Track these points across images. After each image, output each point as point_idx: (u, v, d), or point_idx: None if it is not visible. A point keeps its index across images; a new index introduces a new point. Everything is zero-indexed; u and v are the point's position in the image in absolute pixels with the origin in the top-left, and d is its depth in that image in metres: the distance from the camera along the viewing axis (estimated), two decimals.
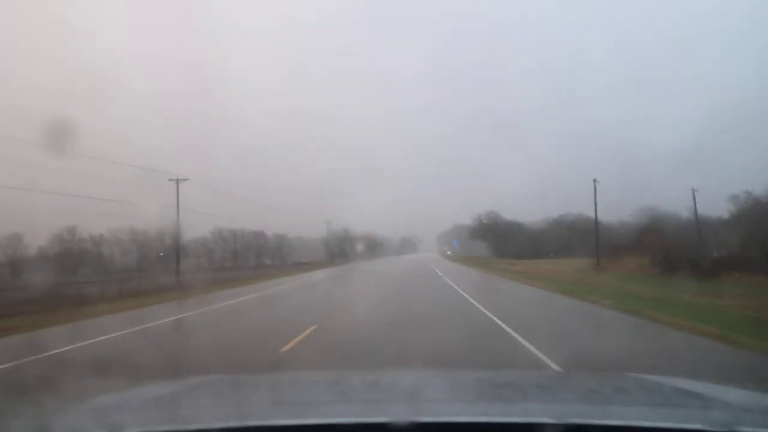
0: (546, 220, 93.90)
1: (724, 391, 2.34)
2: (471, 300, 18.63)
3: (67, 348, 11.08)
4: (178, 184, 39.99)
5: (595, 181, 40.69)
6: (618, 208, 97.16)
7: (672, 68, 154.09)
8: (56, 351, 10.69)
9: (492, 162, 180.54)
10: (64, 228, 77.72)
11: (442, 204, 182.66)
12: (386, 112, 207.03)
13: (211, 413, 1.98)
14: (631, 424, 1.59)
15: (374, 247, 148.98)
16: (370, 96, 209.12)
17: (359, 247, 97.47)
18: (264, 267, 76.05)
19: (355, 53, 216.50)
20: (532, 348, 9.31)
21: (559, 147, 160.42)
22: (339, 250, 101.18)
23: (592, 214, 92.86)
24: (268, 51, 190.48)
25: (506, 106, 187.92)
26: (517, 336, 10.63)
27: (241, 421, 1.66)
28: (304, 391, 2.50)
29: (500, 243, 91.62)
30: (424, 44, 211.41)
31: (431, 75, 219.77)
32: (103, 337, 12.43)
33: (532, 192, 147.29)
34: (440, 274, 36.82)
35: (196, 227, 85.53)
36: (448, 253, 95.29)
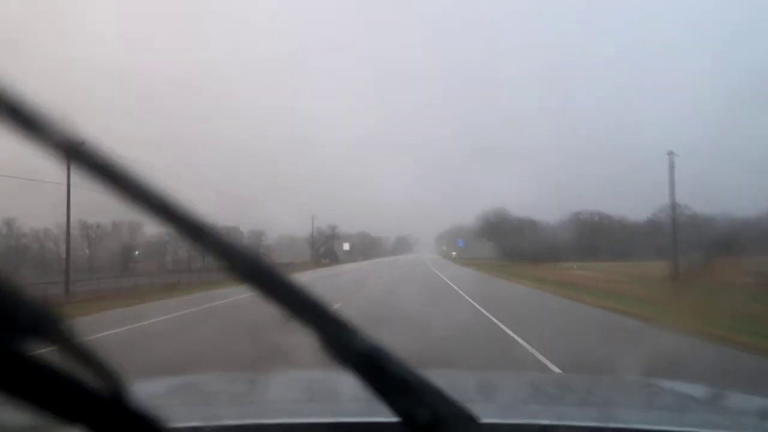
0: (560, 219, 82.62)
1: (725, 395, 2.34)
2: None
3: None
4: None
5: (671, 154, 28.68)
6: (633, 207, 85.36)
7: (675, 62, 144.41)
8: None
9: (492, 160, 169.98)
10: (0, 220, 66.04)
11: (441, 204, 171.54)
12: (382, 107, 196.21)
13: (205, 411, 1.91)
14: (630, 427, 1.57)
15: (367, 246, 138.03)
16: (365, 90, 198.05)
17: (346, 246, 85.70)
18: None
19: (352, 47, 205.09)
20: None
21: (561, 144, 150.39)
22: (327, 249, 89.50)
23: (610, 212, 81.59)
24: (260, 44, 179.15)
25: (507, 104, 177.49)
26: None
27: (237, 420, 1.61)
28: (300, 389, 2.56)
29: (510, 243, 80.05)
30: (422, 39, 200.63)
31: (430, 71, 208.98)
32: None
33: (535, 189, 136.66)
34: (470, 300, 19.80)
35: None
36: (453, 254, 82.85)
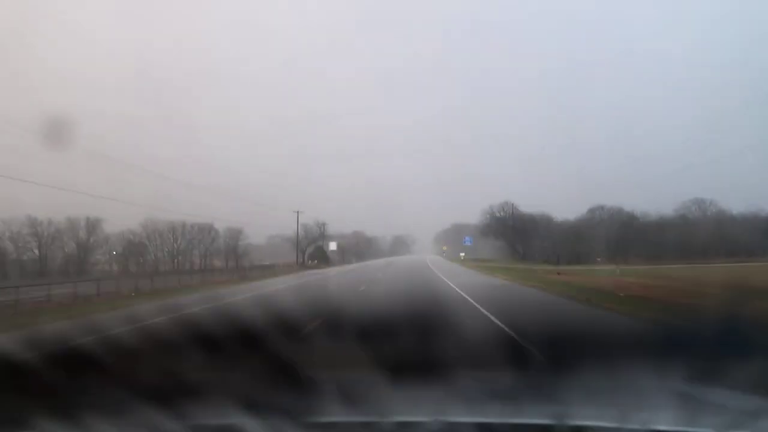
0: (566, 216, 73.41)
1: (723, 394, 2.36)
2: None
3: None
4: None
5: None
6: (645, 201, 75.55)
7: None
8: None
9: (494, 155, 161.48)
10: None
11: (440, 202, 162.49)
12: (377, 102, 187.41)
13: (207, 410, 1.91)
14: (629, 426, 1.54)
15: (362, 247, 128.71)
16: (355, 85, 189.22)
17: (333, 246, 76.07)
18: (203, 272, 54.90)
19: (350, 45, 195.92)
20: None
21: (567, 138, 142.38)
22: (316, 250, 79.97)
23: (628, 206, 72.22)
24: (254, 43, 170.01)
25: (508, 99, 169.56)
26: None
27: (229, 420, 1.61)
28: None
29: (523, 242, 70.56)
30: (418, 36, 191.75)
31: (430, 65, 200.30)
32: None
33: (539, 185, 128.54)
34: None
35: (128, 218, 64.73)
36: (462, 255, 72.56)
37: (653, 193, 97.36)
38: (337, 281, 35.63)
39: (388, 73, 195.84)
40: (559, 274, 39.80)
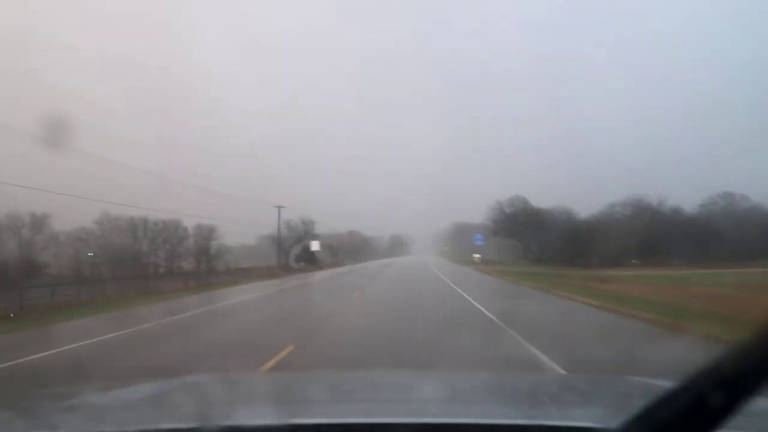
0: (593, 212, 64.08)
1: None
2: None
3: None
4: None
5: None
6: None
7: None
8: None
9: (493, 153, 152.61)
10: None
11: (439, 201, 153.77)
12: (375, 99, 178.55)
13: (200, 412, 1.89)
14: (604, 425, 1.56)
15: (357, 247, 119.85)
16: (357, 82, 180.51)
17: (315, 246, 66.71)
18: (162, 277, 45.77)
19: (345, 40, 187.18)
20: None
21: (574, 133, 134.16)
22: (302, 251, 70.82)
23: (654, 196, 62.98)
24: (245, 32, 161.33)
25: (511, 95, 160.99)
26: None
27: (231, 421, 1.63)
28: (294, 391, 2.48)
29: (540, 242, 61.27)
30: (420, 30, 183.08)
31: (430, 62, 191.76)
32: None
33: (544, 182, 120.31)
34: None
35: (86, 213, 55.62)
36: (476, 257, 62.82)
37: (672, 187, 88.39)
38: (301, 299, 25.60)
39: (385, 65, 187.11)
40: (602, 281, 30.72)
